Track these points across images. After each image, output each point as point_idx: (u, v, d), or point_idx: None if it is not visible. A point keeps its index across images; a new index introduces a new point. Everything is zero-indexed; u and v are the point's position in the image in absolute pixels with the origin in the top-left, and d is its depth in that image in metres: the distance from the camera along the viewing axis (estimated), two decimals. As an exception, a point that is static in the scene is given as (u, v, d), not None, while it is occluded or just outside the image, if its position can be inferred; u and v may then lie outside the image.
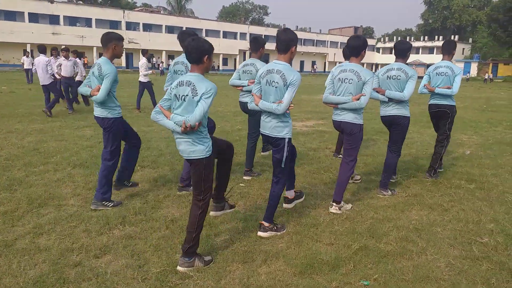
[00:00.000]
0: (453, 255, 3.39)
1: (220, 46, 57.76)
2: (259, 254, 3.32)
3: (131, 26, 52.41)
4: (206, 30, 57.98)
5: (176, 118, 3.05)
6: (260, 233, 3.69)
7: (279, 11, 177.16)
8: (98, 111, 4.24)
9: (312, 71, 66.50)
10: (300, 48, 67.92)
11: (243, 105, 5.43)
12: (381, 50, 78.54)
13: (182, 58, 4.65)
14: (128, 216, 4.02)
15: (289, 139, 3.69)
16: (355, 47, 4.20)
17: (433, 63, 5.81)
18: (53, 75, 10.90)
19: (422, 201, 4.72)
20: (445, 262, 3.26)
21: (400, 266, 3.17)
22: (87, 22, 48.78)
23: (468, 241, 3.65)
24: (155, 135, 8.29)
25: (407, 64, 4.88)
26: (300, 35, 69.63)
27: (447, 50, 5.56)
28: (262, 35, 62.91)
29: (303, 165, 6.17)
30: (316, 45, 70.09)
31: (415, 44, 71.00)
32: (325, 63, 71.36)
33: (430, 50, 68.67)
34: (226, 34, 59.68)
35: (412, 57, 62.11)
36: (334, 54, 69.49)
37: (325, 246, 3.50)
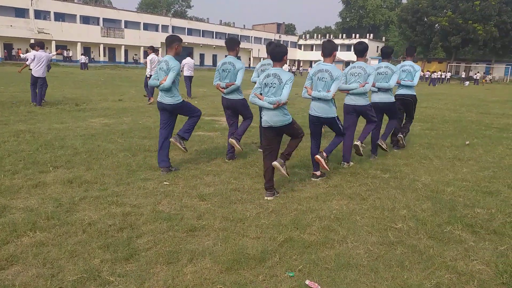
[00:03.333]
0: (371, 241, 3.58)
1: (141, 38, 55.71)
2: (185, 253, 3.23)
3: (40, 15, 48.45)
4: (125, 21, 55.49)
5: (269, 99, 4.42)
6: (317, 156, 5.14)
7: (202, 5, 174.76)
8: (167, 100, 5.28)
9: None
10: (223, 42, 67.86)
11: None
12: (302, 47, 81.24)
13: (229, 59, 5.87)
14: (39, 221, 3.68)
15: (337, 116, 5.17)
16: (360, 50, 5.82)
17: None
18: None
19: (342, 191, 4.93)
20: (364, 249, 3.43)
21: (323, 255, 3.27)
22: (-11, 9, 44.12)
23: (384, 228, 3.88)
24: (69, 133, 7.73)
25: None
26: (224, 29, 69.70)
27: (410, 53, 7.27)
28: (185, 28, 61.85)
29: (229, 161, 6.13)
30: (240, 40, 70.39)
31: (335, 41, 74.37)
32: (249, 58, 72.05)
33: (348, 47, 72.08)
34: (147, 26, 57.63)
35: (331, 54, 65.14)
36: (259, 50, 70.45)
37: (252, 240, 3.50)
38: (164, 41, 5.51)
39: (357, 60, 5.84)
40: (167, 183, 4.97)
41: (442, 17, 54.01)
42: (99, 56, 53.51)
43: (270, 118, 4.48)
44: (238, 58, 5.90)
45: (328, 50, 5.06)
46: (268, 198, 4.55)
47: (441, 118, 12.46)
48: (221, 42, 66.83)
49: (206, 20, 72.49)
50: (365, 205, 4.47)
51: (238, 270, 3.01)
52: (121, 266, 3.01)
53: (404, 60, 7.20)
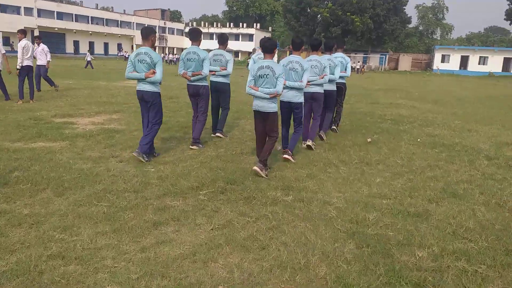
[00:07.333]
0: None
1: (-2, 22, 47.68)
2: None
3: None
4: (-24, 2, 46.80)
5: (265, 90, 5.00)
6: (285, 156, 5.72)
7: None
8: (148, 87, 5.31)
9: (120, 54, 61.20)
10: (102, 29, 61.98)
11: (214, 84, 6.92)
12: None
13: (193, 48, 6.14)
14: None
15: (303, 102, 5.84)
16: (316, 45, 6.51)
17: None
18: None
19: (233, 236, 3.36)
20: None
21: None
22: None
23: (300, 314, 2.39)
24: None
25: None
26: (102, 14, 63.82)
27: (341, 45, 8.02)
28: (54, 11, 54.83)
29: (67, 191, 4.14)
30: (121, 26, 65.07)
31: (223, 30, 72.94)
32: (132, 46, 66.92)
33: (236, 36, 71.24)
34: (5, 8, 49.47)
35: (220, 43, 63.92)
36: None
37: None
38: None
39: (312, 54, 6.40)
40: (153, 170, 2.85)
41: (323, 8, 56.13)
42: None
43: (259, 103, 5.10)
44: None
45: (298, 45, 5.86)
46: (256, 168, 4.95)
47: (335, 110, 11.70)
48: (98, 28, 61.04)
49: (79, 3, 65.08)
50: (267, 262, 2.96)
51: None
52: None
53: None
